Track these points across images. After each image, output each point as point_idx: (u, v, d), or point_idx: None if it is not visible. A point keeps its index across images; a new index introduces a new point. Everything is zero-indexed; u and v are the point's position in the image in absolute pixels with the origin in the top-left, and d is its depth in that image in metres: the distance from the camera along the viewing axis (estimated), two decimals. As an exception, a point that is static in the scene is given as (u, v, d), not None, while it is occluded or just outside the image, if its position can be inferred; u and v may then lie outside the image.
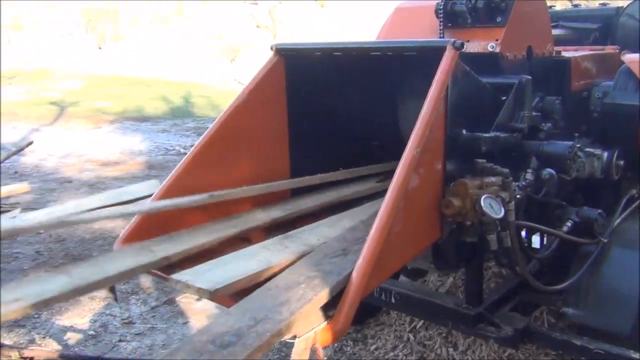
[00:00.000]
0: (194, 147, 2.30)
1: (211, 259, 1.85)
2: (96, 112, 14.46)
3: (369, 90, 2.70)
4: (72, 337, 3.81)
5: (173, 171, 2.26)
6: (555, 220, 2.58)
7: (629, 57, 2.83)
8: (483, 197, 1.91)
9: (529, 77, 2.35)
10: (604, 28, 3.78)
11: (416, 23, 2.71)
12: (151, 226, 2.16)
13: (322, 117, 2.56)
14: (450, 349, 3.29)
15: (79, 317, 4.05)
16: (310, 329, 1.49)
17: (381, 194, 2.53)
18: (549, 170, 2.25)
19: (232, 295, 1.68)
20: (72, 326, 3.94)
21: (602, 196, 2.93)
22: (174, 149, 10.42)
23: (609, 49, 3.30)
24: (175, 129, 13.04)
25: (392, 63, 2.53)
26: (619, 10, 3.80)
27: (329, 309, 1.56)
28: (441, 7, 2.49)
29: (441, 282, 3.51)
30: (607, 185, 2.88)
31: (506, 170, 2.03)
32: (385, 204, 1.66)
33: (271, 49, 2.43)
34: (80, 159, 9.35)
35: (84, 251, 5.25)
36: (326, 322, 1.52)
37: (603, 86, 2.88)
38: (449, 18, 2.50)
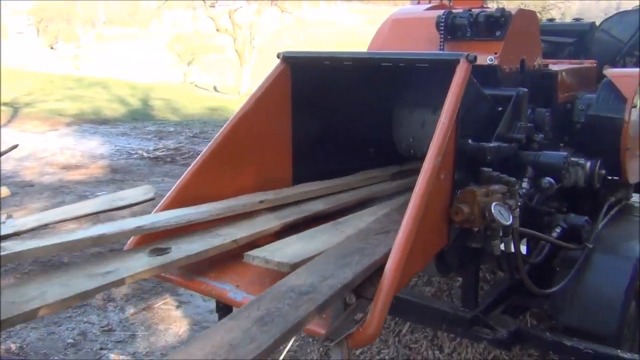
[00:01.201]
0: (201, 154, 2.29)
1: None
2: (52, 113, 14.04)
3: (366, 100, 2.76)
4: (50, 346, 3.71)
5: (180, 178, 2.26)
6: (544, 227, 2.69)
7: (611, 72, 2.99)
8: (493, 204, 1.98)
9: (526, 89, 2.45)
10: (579, 42, 3.96)
11: (414, 34, 2.79)
12: (159, 234, 2.15)
13: (324, 124, 2.61)
14: (436, 352, 3.37)
15: (55, 325, 3.95)
16: (343, 335, 1.53)
17: (389, 196, 2.61)
18: (549, 179, 2.36)
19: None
20: (49, 334, 3.84)
21: (583, 203, 3.07)
22: (136, 153, 10.23)
23: (588, 63, 3.46)
24: (136, 133, 12.80)
25: (390, 74, 2.60)
26: (592, 26, 3.99)
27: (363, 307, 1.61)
28: (442, 20, 2.57)
29: (429, 287, 3.59)
30: (586, 193, 3.02)
31: (512, 179, 2.11)
32: (409, 212, 1.71)
33: (278, 56, 2.46)
34: (39, 162, 9.07)
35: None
36: (358, 326, 1.56)
37: (586, 99, 3.02)
38: (450, 31, 2.58)
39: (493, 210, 1.97)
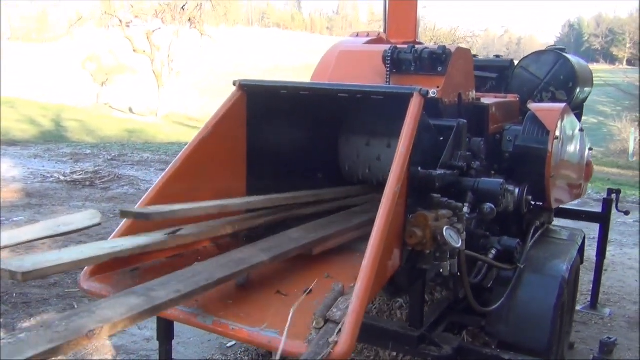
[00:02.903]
0: (161, 176, 2.31)
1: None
2: (-46, 133, 13.19)
3: (316, 127, 2.87)
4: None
5: (141, 200, 2.25)
6: (480, 249, 2.88)
7: (535, 106, 3.27)
8: (445, 228, 2.13)
9: (465, 121, 2.65)
10: (499, 77, 4.28)
11: (361, 66, 2.93)
12: (119, 259, 2.13)
13: (277, 148, 2.69)
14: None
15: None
16: (321, 355, 1.59)
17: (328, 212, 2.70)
18: (490, 204, 2.54)
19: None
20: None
21: (509, 227, 3.31)
22: (51, 176, 9.78)
23: (511, 97, 3.76)
24: (49, 155, 12.23)
25: (336, 104, 2.73)
26: (511, 63, 4.34)
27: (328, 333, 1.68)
28: (389, 55, 2.73)
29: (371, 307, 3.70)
30: (513, 217, 3.26)
31: (460, 204, 2.28)
32: (374, 235, 1.81)
33: (234, 84, 2.52)
34: (-56, 185, 8.48)
35: None
36: (330, 349, 1.62)
37: (513, 130, 3.28)
38: (395, 65, 2.74)
39: (445, 234, 2.12)
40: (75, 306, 4.51)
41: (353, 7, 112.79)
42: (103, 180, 9.62)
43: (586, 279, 5.16)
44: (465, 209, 2.62)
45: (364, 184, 3.17)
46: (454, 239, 2.14)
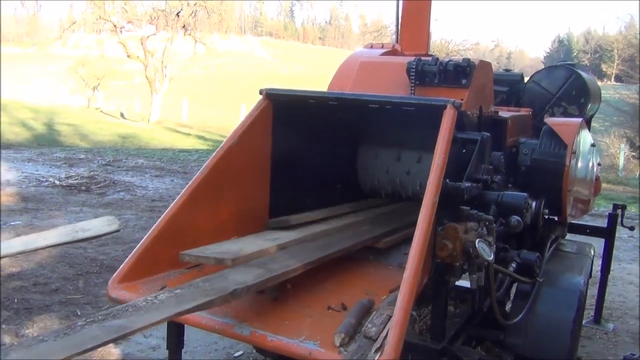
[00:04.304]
0: (188, 186, 2.29)
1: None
2: (-54, 135, 13.04)
3: (336, 138, 2.87)
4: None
5: (166, 211, 2.23)
6: (500, 262, 2.88)
7: (552, 120, 3.29)
8: (477, 241, 2.12)
9: (488, 134, 2.65)
10: (510, 91, 4.31)
11: (383, 77, 2.93)
12: (145, 265, 2.12)
13: (302, 159, 2.68)
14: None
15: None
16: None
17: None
18: (516, 217, 2.54)
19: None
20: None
21: (524, 240, 3.32)
22: (46, 181, 9.70)
23: (524, 111, 3.78)
24: (43, 159, 12.14)
25: (353, 114, 2.73)
26: (522, 77, 4.36)
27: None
28: (413, 67, 2.73)
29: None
30: (528, 231, 3.27)
31: (491, 217, 2.27)
32: (415, 247, 1.81)
33: (260, 92, 2.51)
34: (-61, 187, 8.36)
35: None
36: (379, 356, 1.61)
37: (529, 144, 3.29)
38: (419, 77, 2.75)
39: (477, 246, 2.11)
40: (79, 313, 4.45)
41: (345, 18, 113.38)
42: (99, 186, 9.55)
43: (588, 293, 5.18)
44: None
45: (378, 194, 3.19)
46: (487, 252, 2.14)
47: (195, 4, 25.54)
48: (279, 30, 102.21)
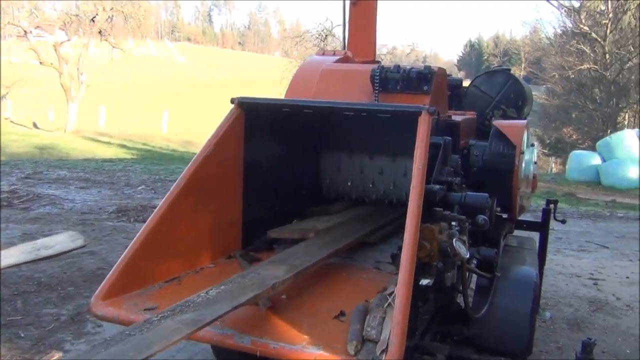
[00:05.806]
0: (164, 199, 2.25)
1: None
2: None
3: (300, 144, 2.90)
4: None
5: (145, 224, 2.19)
6: (461, 259, 3.01)
7: (500, 123, 3.48)
8: (454, 240, 2.23)
9: (449, 138, 2.77)
10: (451, 95, 4.50)
11: (346, 84, 2.99)
12: (129, 281, 2.07)
13: (271, 167, 2.70)
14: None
15: None
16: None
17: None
18: (483, 217, 2.67)
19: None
20: None
21: (478, 237, 3.48)
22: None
23: (469, 114, 3.96)
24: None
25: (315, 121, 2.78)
26: (461, 82, 4.57)
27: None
28: (377, 74, 2.82)
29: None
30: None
31: (463, 217, 2.38)
32: (406, 249, 1.88)
33: (232, 101, 2.50)
34: None
35: None
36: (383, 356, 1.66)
37: (479, 146, 3.46)
38: (383, 84, 2.83)
39: (455, 245, 2.21)
40: (22, 334, 4.22)
41: (265, 24, 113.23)
42: (22, 200, 9.06)
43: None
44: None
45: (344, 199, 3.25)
46: (463, 250, 2.24)
47: (111, 9, 24.73)
48: (197, 36, 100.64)
